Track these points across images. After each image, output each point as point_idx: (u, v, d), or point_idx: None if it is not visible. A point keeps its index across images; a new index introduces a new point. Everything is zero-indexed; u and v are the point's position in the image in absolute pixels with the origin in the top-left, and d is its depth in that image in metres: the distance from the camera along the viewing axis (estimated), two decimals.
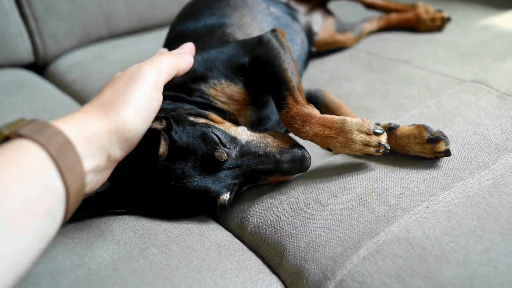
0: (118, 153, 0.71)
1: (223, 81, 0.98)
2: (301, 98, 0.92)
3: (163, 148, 0.80)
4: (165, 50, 1.03)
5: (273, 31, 1.03)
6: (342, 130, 0.86)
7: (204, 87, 0.97)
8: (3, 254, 0.48)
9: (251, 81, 1.00)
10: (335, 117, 0.88)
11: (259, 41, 1.00)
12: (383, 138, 0.86)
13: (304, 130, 0.89)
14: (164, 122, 0.83)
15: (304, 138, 0.91)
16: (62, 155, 0.57)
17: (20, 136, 0.56)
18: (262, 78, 0.97)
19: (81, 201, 0.64)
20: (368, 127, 0.85)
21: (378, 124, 0.90)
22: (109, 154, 0.68)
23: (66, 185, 0.57)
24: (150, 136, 0.78)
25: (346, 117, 0.87)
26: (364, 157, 0.94)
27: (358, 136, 0.85)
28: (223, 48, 1.02)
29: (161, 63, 0.80)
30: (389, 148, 0.86)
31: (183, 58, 0.88)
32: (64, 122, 0.62)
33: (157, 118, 0.82)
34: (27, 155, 0.55)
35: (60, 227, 0.59)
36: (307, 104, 0.92)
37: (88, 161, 0.63)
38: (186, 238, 0.82)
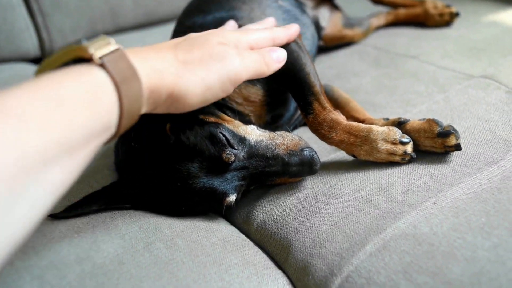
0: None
1: None
2: (327, 104, 0.92)
3: None
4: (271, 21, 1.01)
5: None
6: (367, 139, 0.86)
7: None
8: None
9: (269, 83, 0.99)
10: (361, 125, 0.88)
11: None
12: (409, 147, 0.86)
13: (330, 136, 0.89)
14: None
15: (330, 144, 0.91)
16: (129, 98, 0.58)
17: (101, 65, 0.56)
18: (283, 81, 0.96)
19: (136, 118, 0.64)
20: (394, 137, 0.85)
21: (403, 123, 0.91)
22: (155, 108, 0.68)
23: (120, 128, 0.59)
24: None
25: (372, 126, 0.87)
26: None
27: (384, 146, 0.85)
28: None
29: (248, 66, 0.76)
30: (415, 157, 0.87)
31: (271, 64, 0.82)
32: (144, 64, 0.63)
33: None
34: (102, 95, 0.55)
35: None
36: (333, 109, 0.92)
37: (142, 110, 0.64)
38: (192, 233, 0.82)
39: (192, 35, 0.77)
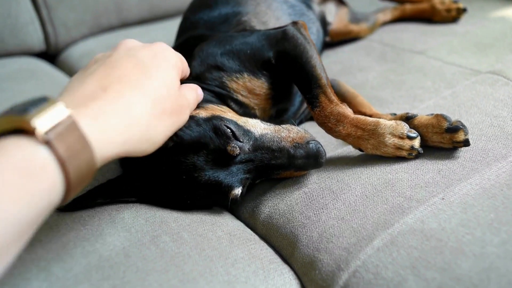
0: None
1: (245, 75, 0.96)
2: (333, 97, 0.91)
3: None
4: None
5: (295, 23, 1.01)
6: (374, 133, 0.86)
7: (225, 79, 0.96)
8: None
9: (274, 76, 0.98)
10: (369, 119, 0.88)
11: (284, 34, 0.98)
12: (417, 142, 0.86)
13: (337, 129, 0.89)
14: None
15: (337, 137, 0.91)
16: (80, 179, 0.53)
17: (46, 142, 0.49)
18: (289, 74, 0.96)
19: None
20: (402, 131, 0.85)
21: (410, 118, 0.90)
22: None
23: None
24: None
25: (380, 120, 0.87)
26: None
27: (391, 140, 0.85)
28: (246, 39, 1.00)
29: (170, 59, 0.73)
30: (422, 152, 0.86)
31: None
32: (89, 121, 0.55)
33: None
34: (50, 178, 0.49)
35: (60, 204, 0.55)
36: (340, 102, 0.91)
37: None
38: (198, 226, 0.81)
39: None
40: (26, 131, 0.49)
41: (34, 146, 0.48)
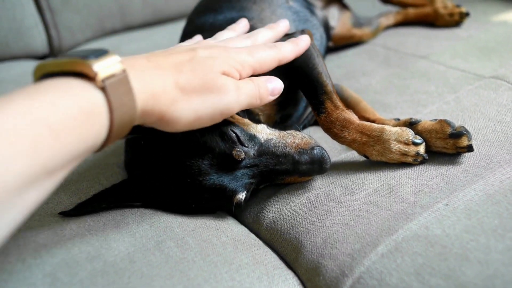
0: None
1: None
2: (339, 103, 0.92)
3: None
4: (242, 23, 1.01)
5: (302, 31, 1.02)
6: (380, 139, 0.86)
7: None
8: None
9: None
10: (374, 125, 0.88)
11: None
12: (422, 148, 0.86)
13: (342, 135, 0.89)
14: None
15: (342, 143, 0.91)
16: (121, 126, 0.58)
17: (102, 88, 0.55)
18: (295, 80, 0.96)
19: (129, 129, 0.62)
20: (407, 137, 0.85)
21: (414, 123, 0.90)
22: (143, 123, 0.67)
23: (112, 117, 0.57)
24: None
25: (385, 126, 0.87)
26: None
27: (396, 146, 0.85)
28: None
29: (241, 100, 0.74)
30: (427, 158, 0.86)
31: (264, 97, 0.79)
32: (139, 82, 0.61)
33: None
34: (98, 120, 0.55)
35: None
36: (346, 108, 0.91)
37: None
38: (202, 232, 0.81)
39: (199, 54, 0.73)
40: (86, 75, 0.55)
41: (93, 90, 0.54)
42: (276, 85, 0.81)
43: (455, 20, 1.55)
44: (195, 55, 0.73)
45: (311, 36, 1.01)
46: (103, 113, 0.55)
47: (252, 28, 1.14)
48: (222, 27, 1.14)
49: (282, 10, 1.28)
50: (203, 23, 1.21)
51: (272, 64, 0.82)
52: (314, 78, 0.93)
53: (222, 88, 0.71)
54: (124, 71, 0.58)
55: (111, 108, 0.55)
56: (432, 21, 1.60)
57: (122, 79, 0.57)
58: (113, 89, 0.56)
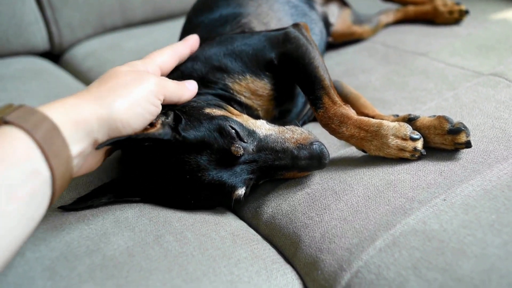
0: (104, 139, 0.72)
1: (248, 76, 0.97)
2: (337, 98, 0.92)
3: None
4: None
5: (296, 25, 1.02)
6: (377, 134, 0.87)
7: (228, 81, 0.96)
8: None
9: (276, 77, 0.99)
10: (372, 120, 0.88)
11: (286, 35, 0.98)
12: (419, 144, 0.86)
13: (340, 131, 0.90)
14: (171, 115, 0.83)
15: (340, 138, 0.92)
16: (48, 140, 0.59)
17: (6, 122, 0.58)
18: (292, 75, 0.96)
19: (68, 184, 0.66)
20: (405, 132, 0.85)
21: (413, 119, 0.90)
22: (95, 139, 0.69)
23: (52, 169, 0.59)
24: None
25: (383, 121, 0.87)
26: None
27: (394, 141, 0.85)
28: (247, 40, 1.00)
29: (166, 84, 0.82)
30: (425, 153, 0.86)
31: (187, 90, 0.89)
32: (53, 106, 0.64)
33: (163, 112, 0.82)
34: (13, 142, 0.57)
35: (47, 209, 0.62)
36: (343, 104, 0.92)
37: (75, 146, 0.65)
38: (201, 226, 0.82)
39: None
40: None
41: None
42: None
43: (454, 18, 1.55)
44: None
45: (307, 28, 1.02)
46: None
47: (246, 25, 1.14)
48: (216, 25, 1.14)
49: (279, 4, 1.28)
50: (199, 22, 1.21)
51: (173, 61, 0.94)
52: (311, 73, 0.93)
53: (137, 77, 0.80)
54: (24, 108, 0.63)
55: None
56: (431, 18, 1.60)
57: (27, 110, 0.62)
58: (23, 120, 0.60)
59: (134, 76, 0.77)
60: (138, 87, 0.75)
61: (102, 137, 0.70)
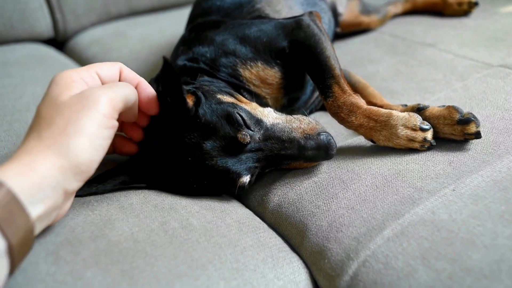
0: (76, 185, 0.66)
1: (259, 63, 0.96)
2: (347, 87, 0.91)
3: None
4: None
5: (310, 13, 1.01)
6: (387, 124, 0.86)
7: (239, 66, 0.96)
8: None
9: (286, 65, 0.98)
10: (382, 110, 0.87)
11: (298, 24, 0.97)
12: (429, 134, 0.85)
13: (349, 120, 0.89)
14: (194, 97, 0.83)
15: (349, 127, 0.91)
16: (3, 209, 0.55)
17: None
18: (303, 63, 0.95)
19: (30, 247, 0.62)
20: (414, 123, 0.84)
21: (422, 109, 0.89)
22: (65, 189, 0.64)
23: (8, 239, 0.55)
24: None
25: (392, 111, 0.86)
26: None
27: (403, 131, 0.85)
28: (262, 27, 1.00)
29: (117, 90, 0.72)
30: (435, 144, 0.85)
31: (144, 91, 0.79)
32: (9, 169, 0.59)
33: (190, 93, 0.82)
34: None
35: (9, 276, 0.58)
36: (353, 93, 0.91)
37: (38, 207, 0.60)
38: (207, 213, 0.81)
39: None
40: None
41: None
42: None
43: (463, 10, 1.54)
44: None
45: (319, 18, 1.01)
46: None
47: (260, 10, 1.12)
48: (230, 9, 1.12)
49: None
50: (210, 5, 1.20)
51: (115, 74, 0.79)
52: (322, 61, 0.92)
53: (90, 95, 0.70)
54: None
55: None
56: (440, 10, 1.59)
57: None
58: None
59: (79, 103, 0.67)
60: (88, 116, 0.66)
61: (70, 184, 0.64)
